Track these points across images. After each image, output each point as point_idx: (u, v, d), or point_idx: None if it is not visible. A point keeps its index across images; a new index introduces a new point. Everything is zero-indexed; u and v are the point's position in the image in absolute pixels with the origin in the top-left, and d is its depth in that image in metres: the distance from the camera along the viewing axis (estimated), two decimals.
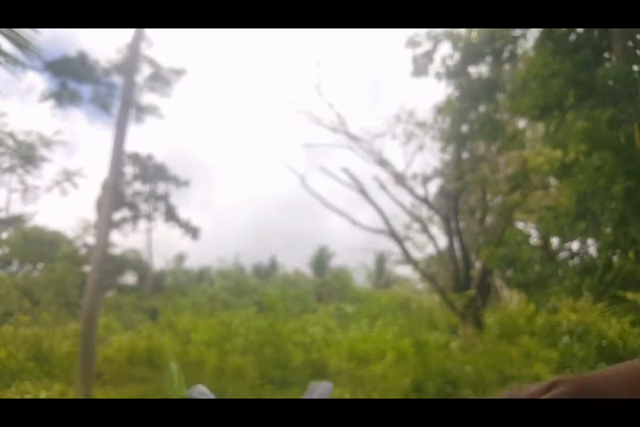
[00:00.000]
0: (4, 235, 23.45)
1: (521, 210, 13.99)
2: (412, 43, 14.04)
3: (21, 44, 3.62)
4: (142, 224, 29.08)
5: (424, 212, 17.86)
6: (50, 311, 16.62)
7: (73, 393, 9.19)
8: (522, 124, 14.29)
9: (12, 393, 8.94)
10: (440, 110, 14.98)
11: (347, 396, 8.00)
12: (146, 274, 27.61)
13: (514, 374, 9.05)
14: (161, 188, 29.84)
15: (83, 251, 24.50)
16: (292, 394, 8.89)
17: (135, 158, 28.43)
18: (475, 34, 12.56)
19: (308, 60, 32.34)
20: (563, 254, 11.14)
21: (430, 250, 19.11)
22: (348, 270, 31.21)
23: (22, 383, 9.50)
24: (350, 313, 19.34)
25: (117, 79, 14.07)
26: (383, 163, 16.85)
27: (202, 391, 1.60)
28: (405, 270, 31.57)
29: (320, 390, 1.47)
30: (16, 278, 20.81)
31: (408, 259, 17.80)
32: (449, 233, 16.26)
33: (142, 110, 15.40)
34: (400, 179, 16.65)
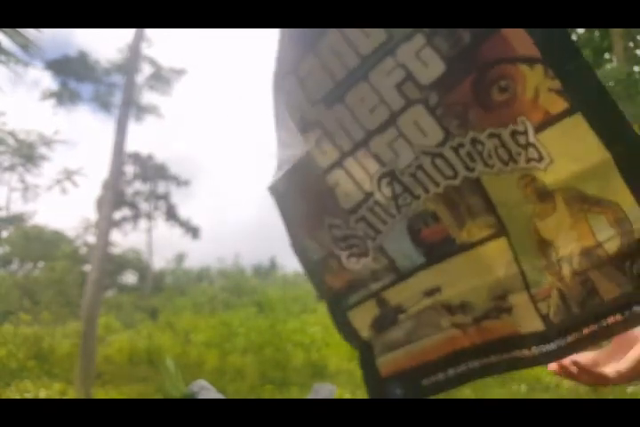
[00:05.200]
0: (5, 234, 23.48)
1: None
2: None
3: (23, 44, 3.63)
4: (143, 224, 29.14)
5: None
6: (50, 310, 16.63)
7: (73, 392, 9.19)
8: None
9: (11, 392, 8.94)
10: None
11: (347, 396, 7.99)
12: (146, 274, 27.63)
13: (513, 375, 9.04)
14: (161, 187, 29.89)
15: (83, 250, 24.53)
16: (292, 394, 8.89)
17: (136, 158, 28.46)
18: None
19: None
20: None
21: None
22: None
23: (22, 382, 9.50)
24: None
25: (118, 79, 14.07)
26: None
27: (203, 386, 1.61)
28: None
29: (324, 392, 1.47)
30: (16, 277, 20.82)
31: None
32: None
33: (143, 110, 15.40)
34: None
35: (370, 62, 1.30)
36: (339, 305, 1.48)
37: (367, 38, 1.30)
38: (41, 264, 22.68)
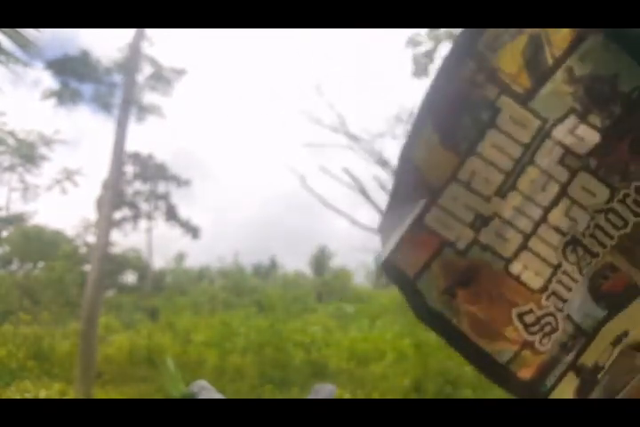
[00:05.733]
0: (5, 234, 23.46)
1: None
2: (413, 42, 14.02)
3: (23, 44, 3.62)
4: (143, 223, 29.09)
5: None
6: (50, 310, 16.62)
7: (73, 392, 9.19)
8: None
9: (11, 392, 8.94)
10: None
11: (347, 396, 8.00)
12: (146, 273, 27.60)
13: None
14: (161, 187, 29.84)
15: (83, 250, 24.49)
16: (292, 394, 8.89)
17: (136, 157, 28.41)
18: None
19: (308, 59, 32.23)
20: None
21: None
22: (348, 270, 31.18)
23: (22, 382, 9.50)
24: (350, 313, 19.33)
25: (119, 78, 14.06)
26: (383, 163, 16.85)
27: (203, 386, 1.61)
28: None
29: (324, 392, 1.47)
30: (16, 277, 20.81)
31: None
32: None
33: (143, 110, 15.39)
34: None
35: (532, 148, 1.38)
36: (536, 393, 1.42)
37: (524, 129, 1.38)
38: (41, 264, 22.66)
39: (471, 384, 8.74)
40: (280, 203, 42.30)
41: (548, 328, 1.39)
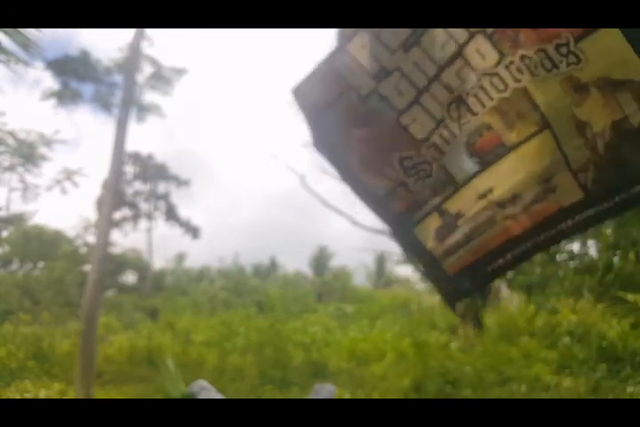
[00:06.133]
0: (5, 233, 23.46)
1: None
2: None
3: (24, 43, 3.62)
4: (143, 223, 29.11)
5: None
6: (50, 310, 16.61)
7: (73, 392, 9.18)
8: None
9: (11, 392, 8.93)
10: None
11: (347, 396, 7.99)
12: (146, 273, 27.60)
13: (513, 375, 9.02)
14: (161, 187, 29.86)
15: (83, 250, 24.51)
16: (292, 394, 8.88)
17: (136, 157, 28.43)
18: None
19: (307, 60, 32.17)
20: (563, 255, 11.14)
21: None
22: (348, 270, 31.18)
23: (22, 382, 9.49)
24: (350, 313, 19.33)
25: (119, 78, 14.04)
26: None
27: (203, 386, 1.61)
28: (405, 270, 31.51)
29: (324, 392, 1.48)
30: (16, 277, 20.80)
31: (408, 259, 17.77)
32: None
33: (143, 109, 15.37)
34: None
35: None
36: (404, 225, 1.71)
37: None
38: (41, 264, 22.65)
39: (471, 384, 8.73)
40: (280, 203, 42.36)
41: (422, 173, 1.62)
